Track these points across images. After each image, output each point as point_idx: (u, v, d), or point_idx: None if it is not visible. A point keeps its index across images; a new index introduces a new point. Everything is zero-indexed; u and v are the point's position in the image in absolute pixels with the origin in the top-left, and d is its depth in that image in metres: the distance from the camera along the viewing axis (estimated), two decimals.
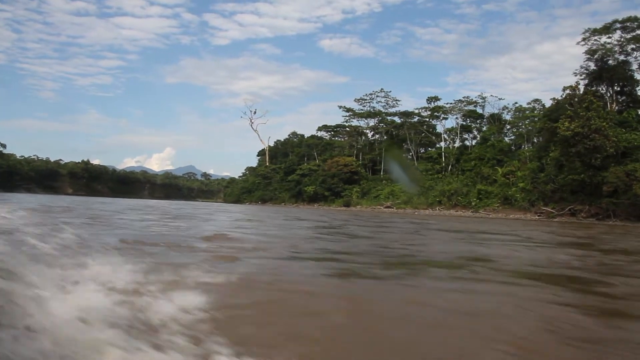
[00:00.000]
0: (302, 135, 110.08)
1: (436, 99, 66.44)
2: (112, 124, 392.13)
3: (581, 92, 46.02)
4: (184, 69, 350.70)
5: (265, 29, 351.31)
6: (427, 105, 71.43)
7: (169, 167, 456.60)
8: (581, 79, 48.12)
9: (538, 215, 45.36)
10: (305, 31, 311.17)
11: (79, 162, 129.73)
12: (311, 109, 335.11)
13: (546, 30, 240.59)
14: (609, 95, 46.65)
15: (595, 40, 45.83)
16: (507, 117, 70.71)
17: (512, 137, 66.70)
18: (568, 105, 41.03)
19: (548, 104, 54.43)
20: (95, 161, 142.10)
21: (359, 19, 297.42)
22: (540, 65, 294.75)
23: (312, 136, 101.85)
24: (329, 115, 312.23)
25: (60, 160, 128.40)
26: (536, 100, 66.58)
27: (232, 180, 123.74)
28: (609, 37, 45.59)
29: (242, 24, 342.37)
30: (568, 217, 42.84)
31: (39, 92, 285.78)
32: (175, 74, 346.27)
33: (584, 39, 46.06)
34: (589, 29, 45.72)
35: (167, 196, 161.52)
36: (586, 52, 46.34)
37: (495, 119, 69.44)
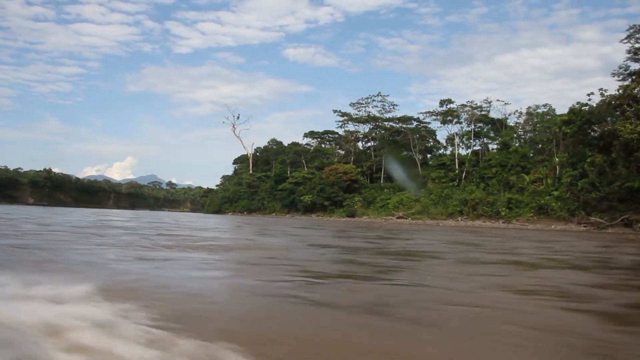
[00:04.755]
0: (281, 143, 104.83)
1: (449, 101, 62.52)
2: (72, 132, 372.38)
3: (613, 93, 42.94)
4: (146, 77, 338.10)
5: (227, 37, 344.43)
6: (433, 110, 67.46)
7: (130, 176, 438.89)
8: (618, 80, 44.99)
9: (584, 226, 41.64)
10: (269, 40, 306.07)
11: (40, 171, 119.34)
12: (275, 118, 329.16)
13: (507, 42, 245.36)
14: None
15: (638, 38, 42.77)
16: (510, 122, 67.89)
17: (518, 144, 63.56)
18: (627, 106, 37.53)
19: (559, 108, 51.37)
20: (54, 170, 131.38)
21: (322, 29, 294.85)
22: (501, 75, 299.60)
23: (294, 143, 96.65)
24: (292, 125, 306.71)
25: (20, 168, 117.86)
26: (545, 105, 63.96)
27: (210, 190, 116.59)
28: None
29: (204, 33, 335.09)
30: (621, 227, 39.23)
31: None
32: (136, 82, 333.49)
33: (628, 37, 42.93)
34: (634, 25, 42.67)
35: (132, 206, 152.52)
36: (628, 51, 43.23)
37: (502, 124, 66.31)
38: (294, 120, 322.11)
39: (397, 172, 64.25)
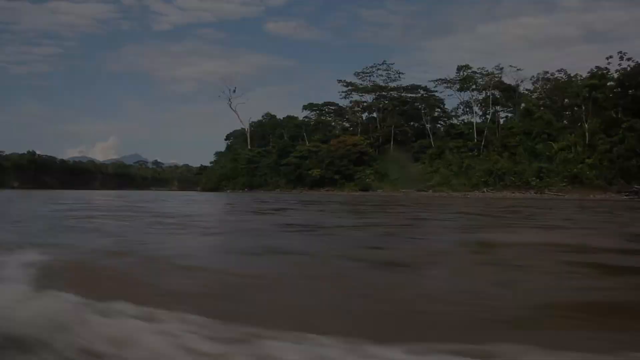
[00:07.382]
0: (275, 116, 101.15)
1: (467, 67, 59.63)
2: (52, 114, 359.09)
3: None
4: (126, 55, 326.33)
5: (207, 13, 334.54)
6: (446, 77, 64.76)
7: (114, 157, 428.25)
8: None
9: (626, 195, 39.81)
10: (250, 15, 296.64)
11: (24, 154, 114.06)
12: (259, 93, 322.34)
13: (489, 12, 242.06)
14: None
15: None
16: (522, 90, 65.52)
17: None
18: None
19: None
20: (37, 152, 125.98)
21: (303, 2, 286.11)
22: (483, 45, 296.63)
23: (290, 116, 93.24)
24: (276, 99, 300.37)
25: (1, 152, 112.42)
26: (560, 70, 61.83)
27: (204, 167, 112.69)
28: None
29: (183, 8, 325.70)
30: None
31: None
32: (116, 60, 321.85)
33: None
34: None
35: (119, 186, 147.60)
36: None
37: (515, 91, 63.94)
38: (277, 95, 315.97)
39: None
